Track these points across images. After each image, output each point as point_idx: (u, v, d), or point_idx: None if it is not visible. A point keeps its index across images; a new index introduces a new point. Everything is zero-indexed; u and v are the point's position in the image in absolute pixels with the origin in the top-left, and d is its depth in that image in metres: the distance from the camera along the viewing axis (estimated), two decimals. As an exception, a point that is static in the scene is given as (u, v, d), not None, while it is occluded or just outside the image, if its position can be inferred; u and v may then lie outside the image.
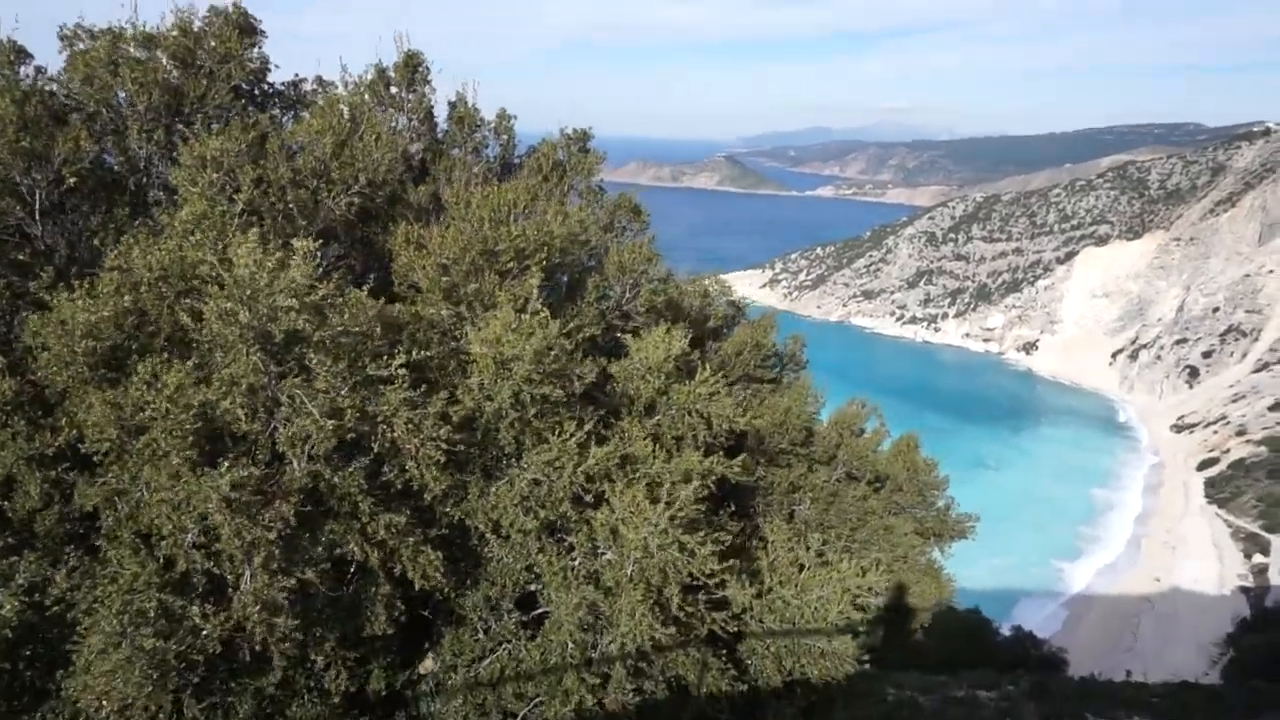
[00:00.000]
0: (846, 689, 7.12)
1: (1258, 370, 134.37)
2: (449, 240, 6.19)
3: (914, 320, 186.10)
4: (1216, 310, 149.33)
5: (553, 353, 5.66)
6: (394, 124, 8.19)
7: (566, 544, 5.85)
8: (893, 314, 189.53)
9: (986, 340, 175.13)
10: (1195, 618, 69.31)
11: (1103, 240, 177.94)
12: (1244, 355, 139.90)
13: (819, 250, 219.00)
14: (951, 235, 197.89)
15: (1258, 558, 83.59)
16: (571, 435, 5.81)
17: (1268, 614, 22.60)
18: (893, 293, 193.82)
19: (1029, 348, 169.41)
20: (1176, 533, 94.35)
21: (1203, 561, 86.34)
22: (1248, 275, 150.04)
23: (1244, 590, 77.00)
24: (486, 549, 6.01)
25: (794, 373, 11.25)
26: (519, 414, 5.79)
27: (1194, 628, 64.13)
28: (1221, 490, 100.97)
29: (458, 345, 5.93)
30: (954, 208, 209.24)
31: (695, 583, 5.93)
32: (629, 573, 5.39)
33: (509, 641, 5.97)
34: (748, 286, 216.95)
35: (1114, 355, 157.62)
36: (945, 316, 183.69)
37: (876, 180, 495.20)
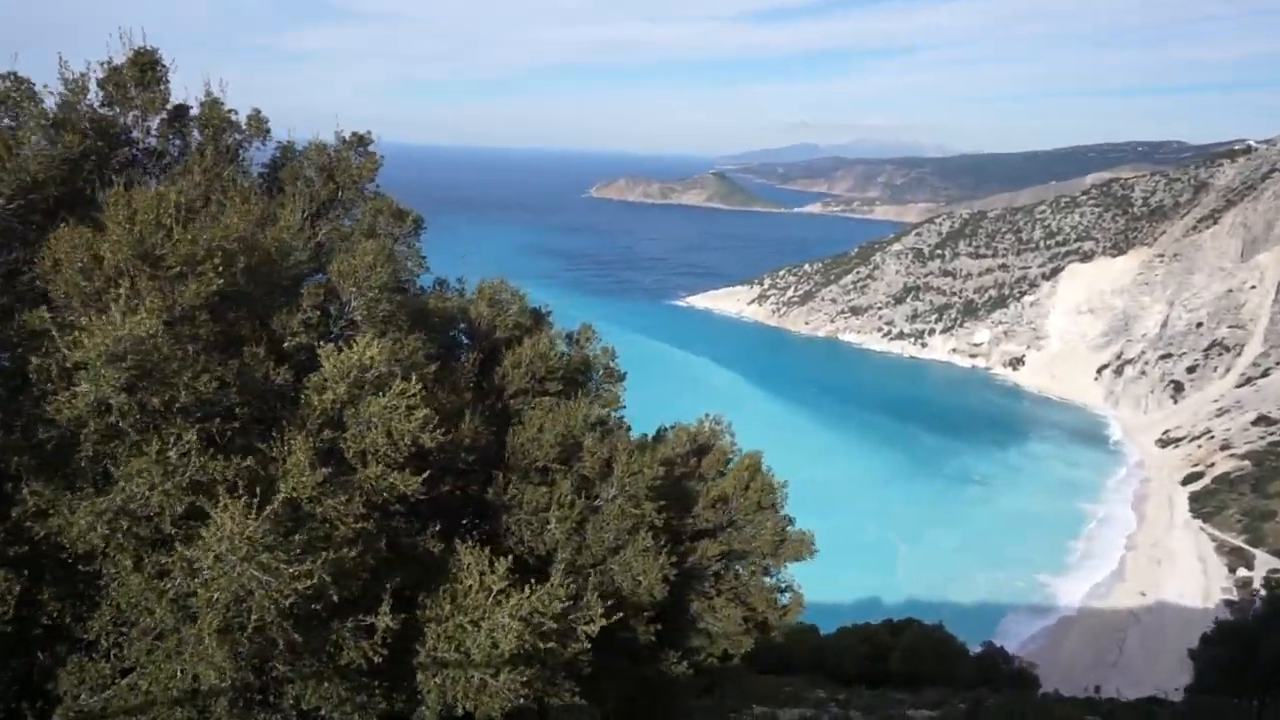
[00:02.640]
0: None
1: (1241, 385, 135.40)
2: (97, 243, 5.65)
3: (901, 336, 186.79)
4: (1200, 325, 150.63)
5: (129, 357, 5.05)
6: (128, 124, 7.98)
7: (163, 565, 5.39)
8: (880, 330, 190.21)
9: (973, 356, 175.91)
10: (1180, 632, 69.26)
11: (1087, 256, 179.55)
12: (1228, 370, 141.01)
13: (806, 266, 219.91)
14: (938, 251, 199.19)
15: (1242, 571, 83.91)
16: (171, 446, 5.35)
17: (1222, 627, 22.63)
18: (880, 309, 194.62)
19: (1015, 363, 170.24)
20: (1162, 547, 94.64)
21: (1188, 576, 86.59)
22: (1230, 291, 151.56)
23: (1229, 604, 77.13)
24: (110, 568, 5.53)
25: (609, 386, 10.88)
26: (99, 422, 5.34)
27: (1179, 642, 64.05)
28: (1206, 505, 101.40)
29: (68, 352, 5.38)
30: (941, 224, 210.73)
31: (321, 608, 5.38)
32: (212, 596, 4.98)
33: (135, 670, 5.49)
34: (736, 302, 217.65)
35: (1099, 370, 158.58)
36: (932, 332, 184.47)
37: (864, 197, 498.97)
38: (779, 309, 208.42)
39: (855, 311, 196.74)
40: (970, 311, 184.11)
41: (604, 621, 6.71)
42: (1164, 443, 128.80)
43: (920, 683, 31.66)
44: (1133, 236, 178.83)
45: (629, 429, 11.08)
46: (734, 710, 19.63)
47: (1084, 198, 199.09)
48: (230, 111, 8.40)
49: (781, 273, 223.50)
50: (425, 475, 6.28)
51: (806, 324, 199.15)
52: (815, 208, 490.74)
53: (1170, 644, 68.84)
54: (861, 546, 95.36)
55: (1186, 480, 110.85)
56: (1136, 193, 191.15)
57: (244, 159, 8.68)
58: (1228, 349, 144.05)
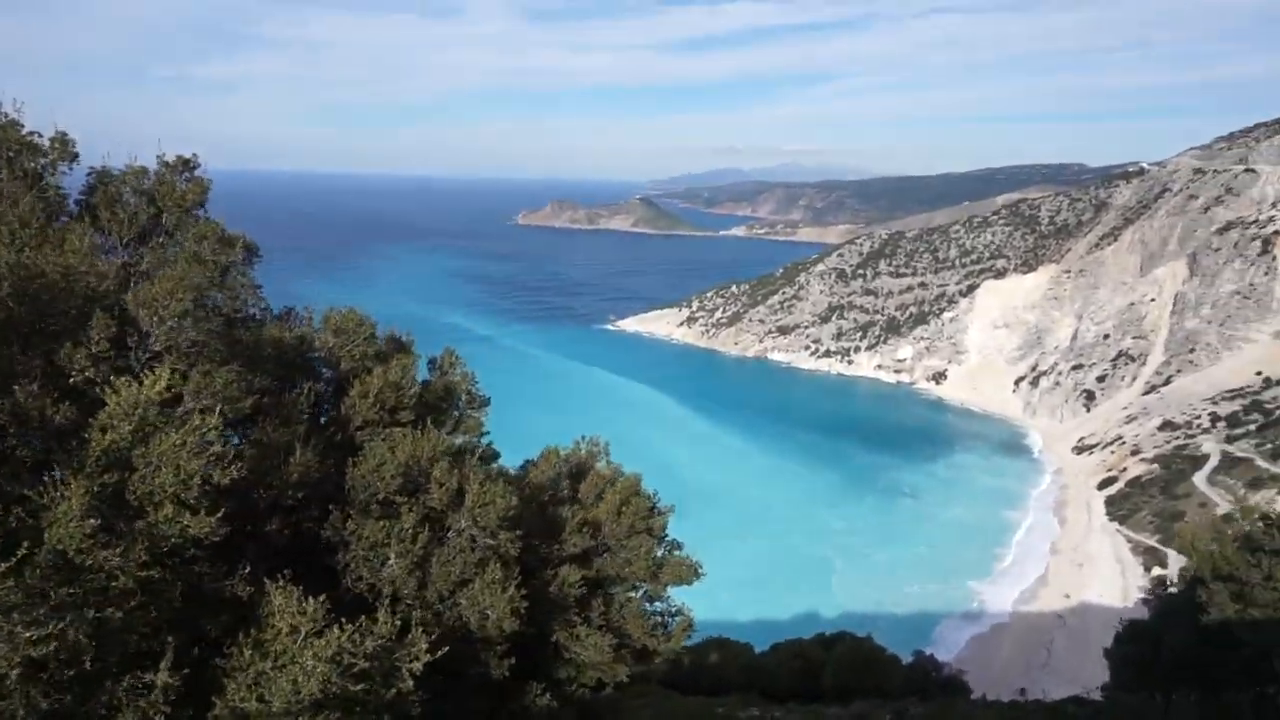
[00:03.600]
0: None
1: (1147, 392, 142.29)
2: None
3: (828, 354, 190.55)
4: (1107, 337, 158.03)
5: None
6: None
7: None
8: (807, 348, 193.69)
9: (898, 371, 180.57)
10: (1102, 631, 71.32)
11: (1000, 273, 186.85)
12: (1134, 379, 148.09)
13: (734, 288, 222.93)
14: (860, 271, 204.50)
15: (1157, 570, 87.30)
16: None
17: (1132, 626, 23.13)
18: (806, 328, 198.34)
19: (938, 377, 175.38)
20: (1083, 550, 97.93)
21: (1108, 577, 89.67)
22: (1132, 304, 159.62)
23: (1145, 602, 79.96)
24: None
25: (472, 412, 10.59)
26: None
27: (1102, 641, 66.08)
28: (1121, 508, 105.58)
29: None
30: (862, 245, 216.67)
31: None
32: None
33: None
34: (666, 324, 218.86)
35: (1017, 382, 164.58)
36: (858, 349, 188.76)
37: (788, 220, 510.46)
38: (708, 330, 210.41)
39: (783, 331, 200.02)
40: (893, 328, 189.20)
41: (429, 658, 6.24)
42: (1079, 450, 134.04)
43: (852, 695, 31.50)
44: (1041, 254, 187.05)
45: (495, 456, 10.57)
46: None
47: (995, 217, 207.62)
48: (32, 134, 7.66)
49: (709, 294, 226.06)
50: (219, 515, 5.68)
51: (736, 344, 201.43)
52: (740, 230, 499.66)
53: (1094, 643, 70.72)
54: (798, 563, 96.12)
55: (1102, 485, 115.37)
56: (1043, 212, 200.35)
57: (49, 184, 7.92)
58: (1133, 359, 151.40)
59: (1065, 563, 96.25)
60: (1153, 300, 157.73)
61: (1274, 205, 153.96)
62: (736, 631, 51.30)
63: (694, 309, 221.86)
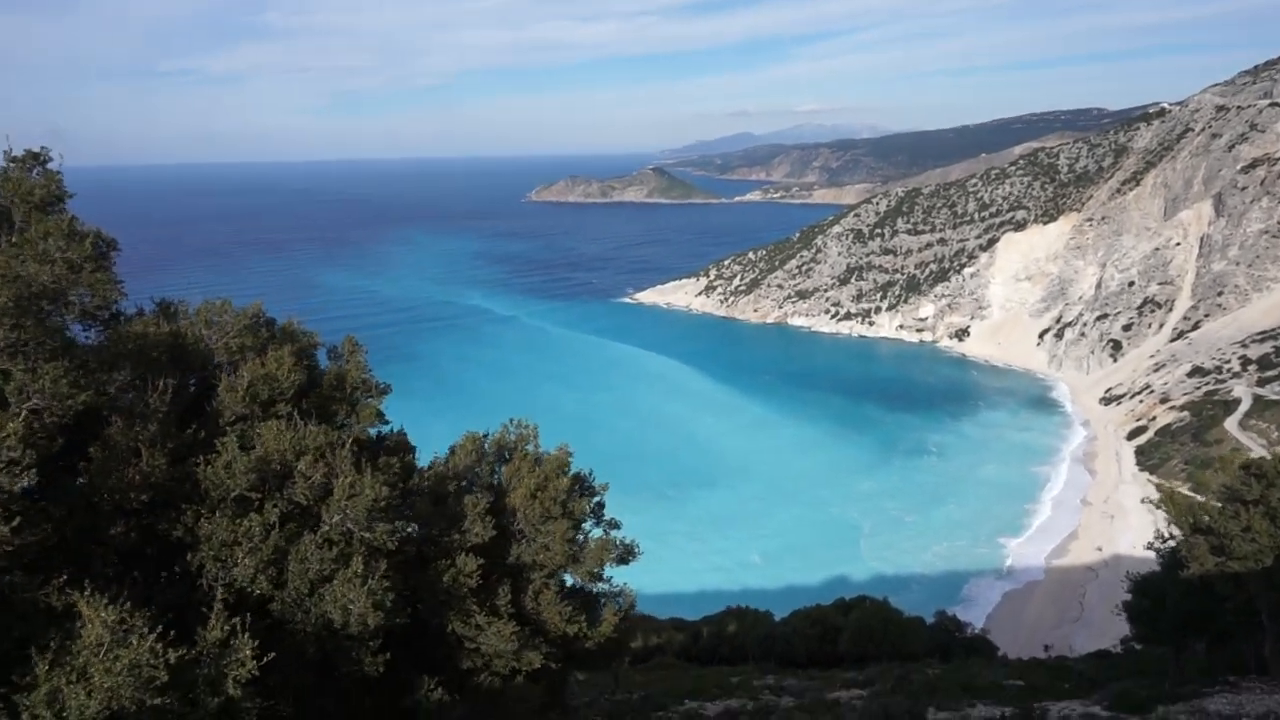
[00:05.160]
0: None
1: (1174, 339, 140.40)
2: None
3: (849, 316, 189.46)
4: (1132, 284, 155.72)
5: None
6: None
7: None
8: (828, 311, 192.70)
9: (920, 330, 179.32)
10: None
11: (1020, 225, 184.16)
12: (1161, 325, 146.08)
13: (751, 255, 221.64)
14: (878, 230, 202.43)
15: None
16: None
17: (1146, 579, 23.13)
18: (826, 291, 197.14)
19: (961, 334, 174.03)
20: (1113, 501, 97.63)
21: (1139, 528, 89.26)
22: (1157, 249, 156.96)
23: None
24: None
25: (368, 400, 9.98)
26: None
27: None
28: (1151, 457, 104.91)
29: None
30: (878, 203, 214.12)
31: None
32: None
33: None
34: (684, 295, 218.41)
35: (1041, 335, 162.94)
36: (879, 310, 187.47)
37: (803, 182, 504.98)
38: (727, 298, 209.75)
39: (802, 295, 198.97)
40: (913, 287, 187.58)
41: (255, 664, 6.08)
42: (1107, 401, 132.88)
43: (870, 660, 31.51)
44: (1062, 203, 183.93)
45: (405, 448, 10.38)
46: (659, 708, 19.25)
47: (1013, 168, 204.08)
48: None
49: (727, 262, 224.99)
50: (15, 523, 5.65)
51: (755, 311, 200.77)
52: (755, 195, 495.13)
53: (1124, 596, 71.08)
54: (829, 528, 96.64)
55: (1131, 435, 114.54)
56: (1062, 160, 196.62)
57: None
58: (1159, 305, 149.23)
59: (1096, 515, 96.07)
60: (1178, 244, 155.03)
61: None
62: (767, 600, 51.95)
63: (711, 278, 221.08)
